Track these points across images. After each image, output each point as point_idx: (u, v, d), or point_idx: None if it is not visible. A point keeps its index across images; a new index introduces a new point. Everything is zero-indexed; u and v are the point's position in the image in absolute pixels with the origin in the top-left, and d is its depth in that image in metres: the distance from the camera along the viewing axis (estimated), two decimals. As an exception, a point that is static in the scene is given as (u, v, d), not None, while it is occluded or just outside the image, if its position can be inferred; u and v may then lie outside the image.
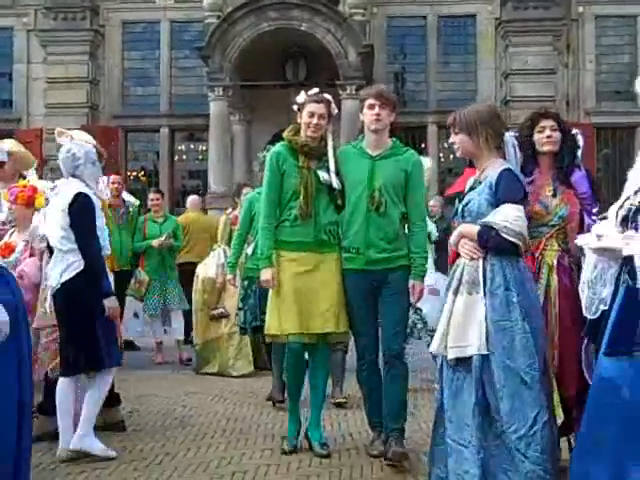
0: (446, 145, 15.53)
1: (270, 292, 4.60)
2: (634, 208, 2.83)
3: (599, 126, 16.28)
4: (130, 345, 9.47)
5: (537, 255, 3.98)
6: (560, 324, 3.89)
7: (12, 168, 5.86)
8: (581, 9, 16.82)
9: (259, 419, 5.66)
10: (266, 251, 4.54)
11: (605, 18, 16.96)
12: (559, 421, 3.79)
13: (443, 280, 5.05)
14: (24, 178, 5.75)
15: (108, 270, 4.83)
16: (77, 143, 4.94)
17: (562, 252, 4.00)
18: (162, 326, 8.75)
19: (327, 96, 4.66)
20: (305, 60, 16.27)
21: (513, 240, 3.46)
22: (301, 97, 4.62)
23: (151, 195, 9.18)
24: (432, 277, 6.06)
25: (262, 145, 10.03)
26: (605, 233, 2.89)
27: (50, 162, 13.96)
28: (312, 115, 4.53)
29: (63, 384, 4.65)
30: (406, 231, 4.54)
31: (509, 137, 3.76)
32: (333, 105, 4.66)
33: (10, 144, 5.86)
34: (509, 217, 3.46)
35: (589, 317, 3.09)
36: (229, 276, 6.84)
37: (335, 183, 4.50)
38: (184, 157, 18.41)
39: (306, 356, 4.97)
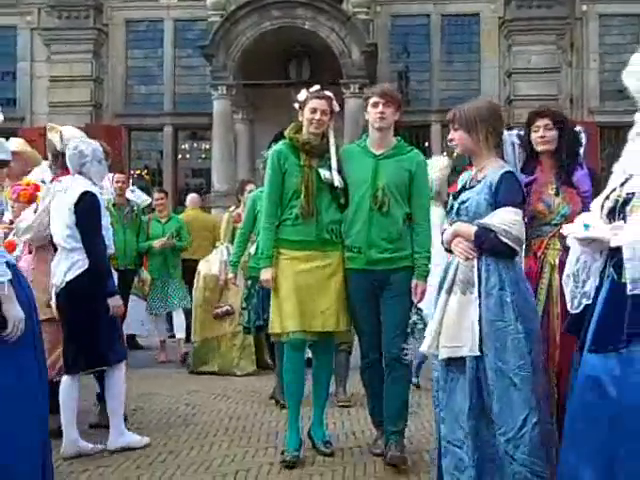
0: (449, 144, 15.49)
1: (272, 291, 4.58)
2: (621, 200, 2.76)
3: (603, 125, 16.22)
4: (133, 342, 9.51)
5: (539, 254, 3.97)
6: (562, 324, 3.88)
7: (18, 167, 5.85)
8: (585, 8, 16.78)
9: (262, 417, 5.67)
10: (267, 251, 4.52)
11: (609, 17, 16.91)
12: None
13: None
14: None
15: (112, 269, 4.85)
16: (85, 140, 4.96)
17: (564, 251, 3.98)
18: (165, 325, 8.78)
19: (328, 93, 4.64)
20: (308, 59, 16.25)
21: (511, 244, 3.41)
22: (302, 94, 4.59)
23: (155, 195, 9.22)
24: (436, 277, 6.02)
25: (265, 144, 10.06)
26: (593, 223, 2.79)
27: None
28: (314, 111, 4.51)
29: (66, 382, 4.67)
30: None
31: (508, 135, 3.74)
32: (335, 102, 4.63)
33: (17, 144, 5.85)
34: (508, 221, 3.41)
35: (572, 312, 2.98)
36: (230, 275, 6.82)
37: (337, 181, 4.47)
38: (187, 156, 18.41)
39: (309, 355, 4.98)
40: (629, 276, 2.57)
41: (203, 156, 18.07)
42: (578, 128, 4.28)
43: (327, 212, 4.50)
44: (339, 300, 4.51)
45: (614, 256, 2.70)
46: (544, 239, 3.99)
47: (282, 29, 15.20)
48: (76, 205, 4.65)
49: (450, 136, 3.72)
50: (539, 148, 4.09)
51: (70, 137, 5.08)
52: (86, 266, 4.64)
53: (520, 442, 3.27)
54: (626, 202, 2.72)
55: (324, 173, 4.48)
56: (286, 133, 4.63)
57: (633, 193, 2.70)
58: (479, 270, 3.43)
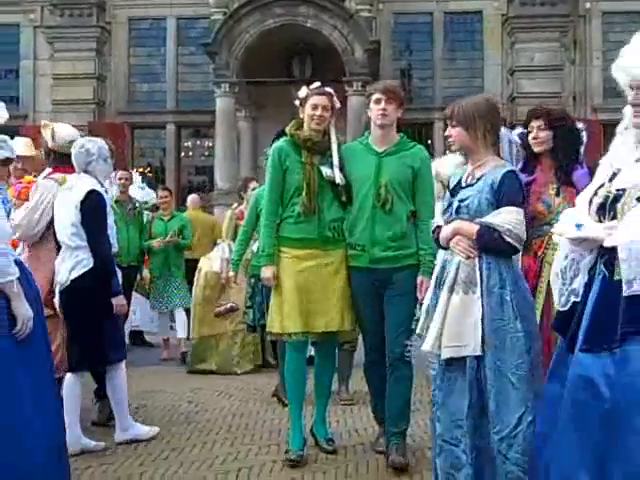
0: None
1: (273, 289, 4.55)
2: (611, 196, 2.68)
3: (606, 122, 16.14)
4: (140, 338, 9.53)
5: (539, 254, 3.96)
6: None
7: (22, 168, 5.83)
8: (588, 5, 16.76)
9: (265, 415, 5.67)
10: (267, 249, 4.48)
11: (612, 14, 16.88)
12: None
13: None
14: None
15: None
16: (91, 139, 4.97)
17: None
18: (169, 322, 8.79)
19: (329, 89, 4.59)
20: (311, 57, 16.26)
21: (515, 244, 3.38)
22: (303, 91, 4.54)
23: (160, 192, 9.26)
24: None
25: (268, 142, 10.02)
26: (585, 222, 2.70)
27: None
28: (315, 107, 4.46)
29: (69, 380, 4.67)
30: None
31: (505, 133, 3.71)
32: (335, 98, 4.58)
33: (23, 147, 5.80)
34: (512, 220, 3.37)
35: (559, 309, 2.90)
36: (231, 273, 6.82)
37: (338, 178, 4.42)
38: (190, 153, 18.43)
39: (312, 352, 4.98)
40: (625, 277, 2.51)
41: (206, 154, 18.08)
42: (580, 125, 4.26)
43: (329, 210, 4.46)
44: (343, 299, 4.46)
45: (605, 254, 2.63)
46: (544, 239, 3.98)
47: (285, 27, 15.20)
48: (82, 203, 4.66)
49: (447, 132, 3.65)
50: (534, 149, 4.10)
51: (64, 135, 5.08)
52: (91, 265, 4.65)
53: (514, 441, 3.25)
54: (616, 199, 2.64)
55: (326, 170, 4.43)
56: (287, 130, 4.59)
57: (623, 189, 2.62)
58: (480, 269, 3.40)
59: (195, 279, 7.94)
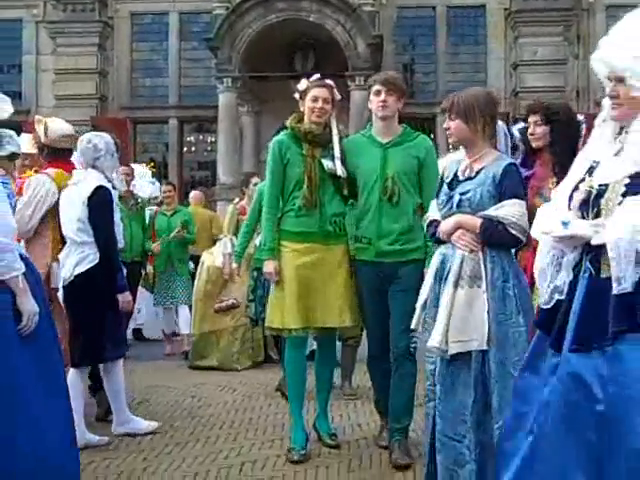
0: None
1: (273, 283, 4.50)
2: (594, 192, 2.58)
3: (609, 117, 16.16)
4: (139, 333, 9.55)
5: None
6: None
7: (27, 165, 5.83)
8: (592, -1, 16.73)
9: (268, 410, 5.67)
10: (269, 242, 4.44)
11: (616, 8, 16.75)
12: None
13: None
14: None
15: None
16: (97, 134, 4.95)
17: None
18: (174, 317, 8.79)
19: (329, 81, 4.54)
20: (314, 51, 16.25)
21: (519, 236, 3.34)
22: (303, 84, 4.48)
23: (163, 187, 9.26)
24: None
25: (271, 136, 10.02)
26: (571, 220, 2.59)
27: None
28: (316, 99, 4.41)
29: (73, 375, 4.67)
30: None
31: (501, 125, 3.69)
32: (336, 90, 4.53)
33: (28, 144, 5.80)
34: (515, 213, 3.34)
35: (542, 307, 2.80)
36: (234, 265, 6.79)
37: (340, 171, 4.37)
38: (193, 148, 18.44)
39: (313, 347, 4.97)
40: (614, 275, 2.47)
41: (209, 149, 18.09)
42: (580, 117, 4.23)
43: (331, 204, 4.43)
44: (344, 295, 4.43)
45: (590, 251, 2.56)
46: None
47: (287, 21, 15.18)
48: (89, 199, 4.64)
49: (446, 125, 3.58)
50: (533, 144, 4.09)
51: (57, 129, 5.06)
52: (97, 260, 4.64)
53: None
54: (600, 194, 2.56)
55: (327, 163, 4.38)
56: (288, 123, 4.53)
57: (606, 185, 2.54)
58: (485, 262, 3.38)
59: (197, 273, 7.93)
